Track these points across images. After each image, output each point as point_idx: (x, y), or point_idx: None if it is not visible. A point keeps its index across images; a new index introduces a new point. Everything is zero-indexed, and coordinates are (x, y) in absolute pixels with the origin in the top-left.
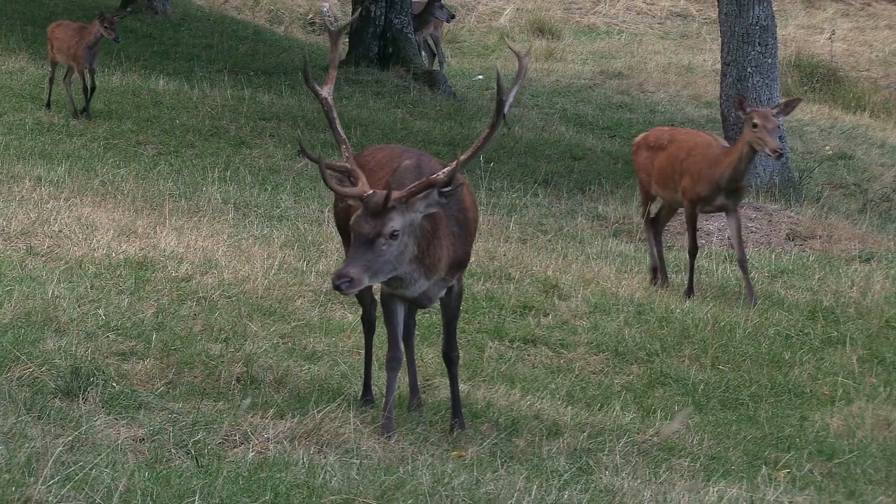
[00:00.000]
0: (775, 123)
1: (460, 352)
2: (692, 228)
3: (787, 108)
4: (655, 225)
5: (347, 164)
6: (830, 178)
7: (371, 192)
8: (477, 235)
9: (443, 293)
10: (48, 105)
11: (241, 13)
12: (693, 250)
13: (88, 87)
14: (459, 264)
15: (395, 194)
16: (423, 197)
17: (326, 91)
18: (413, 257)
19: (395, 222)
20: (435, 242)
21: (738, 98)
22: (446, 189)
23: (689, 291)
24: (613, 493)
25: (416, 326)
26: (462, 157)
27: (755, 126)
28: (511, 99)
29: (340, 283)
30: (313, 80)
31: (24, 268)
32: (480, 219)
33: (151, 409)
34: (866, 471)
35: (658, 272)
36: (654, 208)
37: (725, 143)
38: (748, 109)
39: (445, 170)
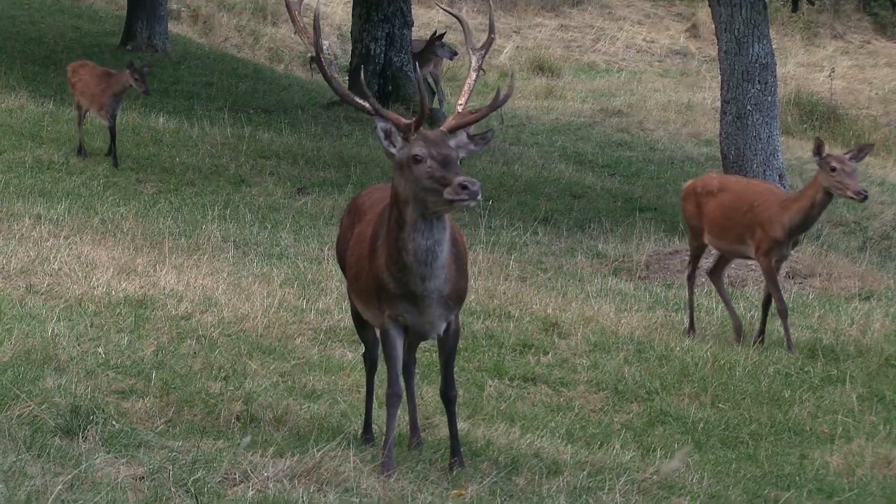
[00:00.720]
0: (853, 167)
1: (460, 390)
2: (776, 286)
3: (860, 153)
4: (715, 276)
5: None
6: (830, 217)
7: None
8: (477, 274)
9: (442, 328)
10: (80, 151)
11: (240, 51)
12: (784, 311)
13: (114, 134)
14: (458, 294)
15: (448, 125)
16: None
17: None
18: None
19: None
20: None
21: (816, 141)
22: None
23: (790, 345)
24: None
25: (416, 364)
26: (462, 101)
27: (833, 170)
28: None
29: (477, 188)
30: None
31: (23, 306)
32: (480, 257)
33: (151, 448)
34: None
35: (738, 330)
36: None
37: (783, 189)
38: (825, 154)
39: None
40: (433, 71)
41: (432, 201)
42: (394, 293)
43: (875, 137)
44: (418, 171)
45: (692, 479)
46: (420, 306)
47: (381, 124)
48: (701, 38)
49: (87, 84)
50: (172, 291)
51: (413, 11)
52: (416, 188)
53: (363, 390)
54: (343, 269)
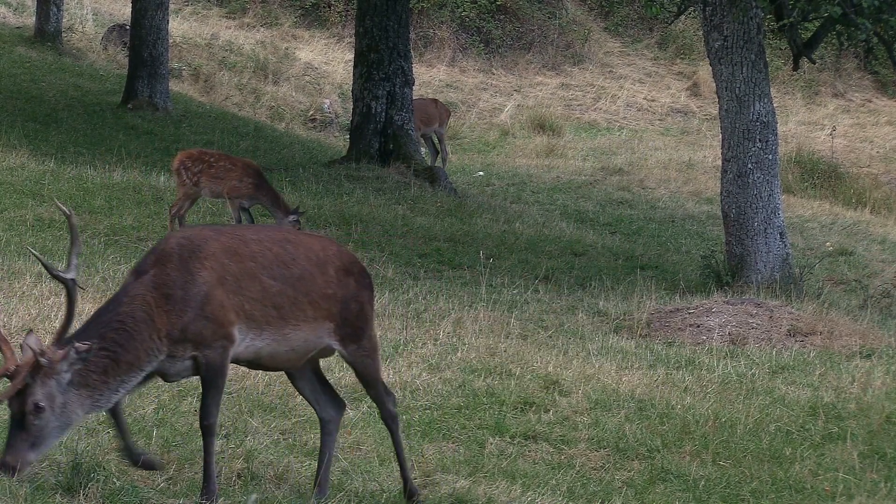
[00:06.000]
0: None
1: (461, 448)
2: None
3: None
4: None
5: None
6: (831, 274)
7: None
8: (478, 332)
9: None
10: None
11: (241, 109)
12: None
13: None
14: (185, 338)
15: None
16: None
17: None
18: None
19: (36, 395)
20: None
21: None
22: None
23: None
24: None
25: (397, 421)
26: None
27: None
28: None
29: (5, 472)
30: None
31: None
32: (481, 315)
33: None
34: None
35: None
36: None
37: None
38: None
39: (50, 348)
40: (437, 129)
41: None
42: None
43: (876, 196)
44: None
45: None
46: None
47: None
48: (702, 97)
49: (220, 170)
50: None
51: (414, 70)
52: None
53: (364, 448)
54: None
